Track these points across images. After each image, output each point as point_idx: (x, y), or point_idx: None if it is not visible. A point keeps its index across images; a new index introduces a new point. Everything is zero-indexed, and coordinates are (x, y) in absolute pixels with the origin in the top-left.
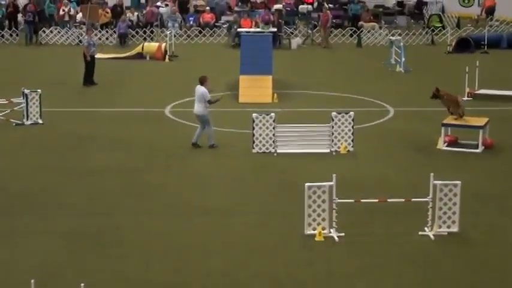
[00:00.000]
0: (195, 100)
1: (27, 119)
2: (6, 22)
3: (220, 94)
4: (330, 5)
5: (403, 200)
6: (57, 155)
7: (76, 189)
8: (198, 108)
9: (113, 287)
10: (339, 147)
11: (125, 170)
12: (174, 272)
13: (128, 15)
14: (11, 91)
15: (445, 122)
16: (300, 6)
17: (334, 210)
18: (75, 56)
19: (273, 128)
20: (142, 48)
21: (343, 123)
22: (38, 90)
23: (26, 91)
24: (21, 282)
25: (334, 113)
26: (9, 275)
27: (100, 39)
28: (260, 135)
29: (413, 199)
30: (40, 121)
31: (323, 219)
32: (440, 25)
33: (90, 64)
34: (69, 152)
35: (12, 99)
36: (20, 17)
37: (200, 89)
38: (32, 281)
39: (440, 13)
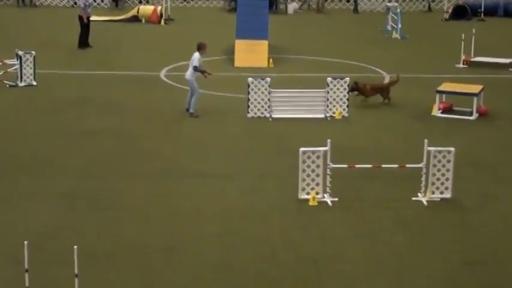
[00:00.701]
0: None
1: (21, 81)
2: None
3: (209, 71)
4: None
5: (397, 165)
6: (51, 117)
7: (71, 152)
8: (187, 72)
9: (108, 249)
10: (334, 113)
11: (119, 134)
12: (169, 236)
13: None
14: (5, 52)
15: (439, 88)
16: None
17: (328, 176)
18: (70, 18)
19: (268, 93)
20: (138, 11)
21: (338, 89)
22: (32, 51)
23: (20, 52)
24: (16, 244)
25: (329, 79)
26: (5, 237)
27: (95, 1)
28: (255, 99)
29: (407, 165)
30: (34, 83)
31: (317, 184)
32: None
33: (85, 26)
34: (63, 115)
35: (5, 61)
36: None
37: (193, 55)
38: (25, 242)
39: None
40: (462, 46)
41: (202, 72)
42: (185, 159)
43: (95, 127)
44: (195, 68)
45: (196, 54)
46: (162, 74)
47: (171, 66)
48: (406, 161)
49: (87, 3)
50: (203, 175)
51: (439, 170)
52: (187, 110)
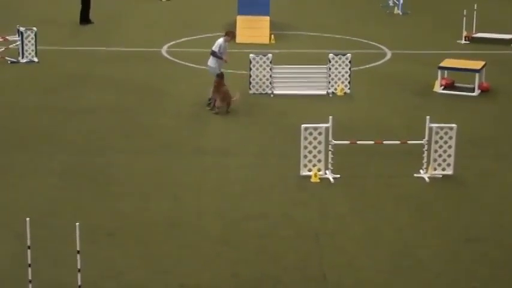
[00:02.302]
0: None
1: (22, 57)
2: None
3: (227, 59)
4: None
5: (399, 142)
6: (52, 93)
7: (72, 128)
8: (210, 60)
9: (109, 225)
10: (335, 89)
11: (121, 109)
12: (169, 211)
13: None
14: (6, 29)
15: (441, 64)
16: None
17: (330, 152)
18: None
19: (270, 69)
20: None
21: (340, 65)
22: (34, 28)
23: (21, 29)
24: (17, 220)
25: (331, 55)
26: (6, 214)
27: None
28: (257, 76)
29: (409, 141)
30: (35, 59)
31: (319, 161)
32: None
33: (86, 2)
34: (65, 91)
35: (7, 37)
36: None
37: (217, 40)
38: (27, 219)
39: None
40: (464, 22)
41: (220, 58)
42: (186, 135)
43: (96, 103)
44: (213, 53)
45: (220, 40)
46: (164, 50)
47: (172, 43)
48: (408, 138)
49: None
50: (204, 151)
51: (441, 147)
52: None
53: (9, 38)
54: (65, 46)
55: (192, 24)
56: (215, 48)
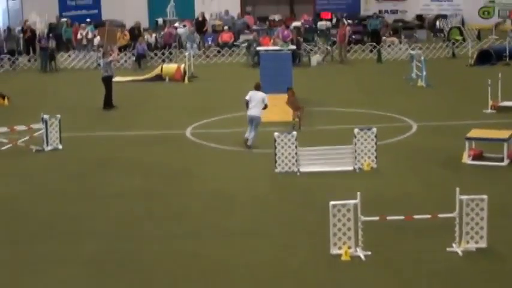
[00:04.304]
0: (249, 104)
1: (47, 145)
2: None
3: None
4: (349, 21)
5: (430, 216)
6: (78, 180)
7: (98, 215)
8: (257, 111)
9: None
10: (362, 164)
11: (147, 194)
12: None
13: (146, 37)
14: (30, 117)
15: (468, 135)
16: (319, 23)
17: (359, 229)
18: (93, 80)
19: (295, 147)
20: (161, 70)
21: (365, 140)
22: (57, 115)
23: (45, 117)
24: None
25: (356, 130)
26: None
27: (118, 61)
28: (282, 154)
29: (439, 215)
30: (60, 146)
31: (349, 238)
32: (460, 38)
33: (109, 87)
34: (90, 177)
35: (31, 125)
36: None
37: (259, 93)
38: None
39: (461, 26)
40: (489, 91)
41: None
42: (214, 216)
43: (122, 188)
44: (266, 106)
45: (263, 94)
46: (188, 132)
47: (196, 124)
48: (438, 211)
49: (107, 61)
50: (233, 232)
51: (472, 219)
52: (247, 142)
53: (34, 126)
54: (89, 132)
55: (214, 105)
56: (266, 101)
